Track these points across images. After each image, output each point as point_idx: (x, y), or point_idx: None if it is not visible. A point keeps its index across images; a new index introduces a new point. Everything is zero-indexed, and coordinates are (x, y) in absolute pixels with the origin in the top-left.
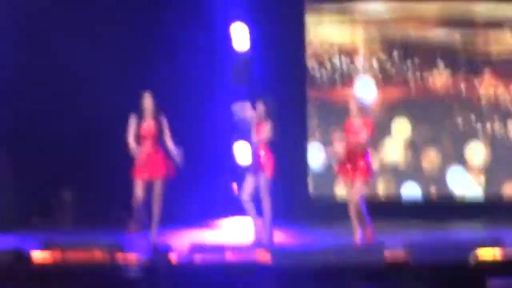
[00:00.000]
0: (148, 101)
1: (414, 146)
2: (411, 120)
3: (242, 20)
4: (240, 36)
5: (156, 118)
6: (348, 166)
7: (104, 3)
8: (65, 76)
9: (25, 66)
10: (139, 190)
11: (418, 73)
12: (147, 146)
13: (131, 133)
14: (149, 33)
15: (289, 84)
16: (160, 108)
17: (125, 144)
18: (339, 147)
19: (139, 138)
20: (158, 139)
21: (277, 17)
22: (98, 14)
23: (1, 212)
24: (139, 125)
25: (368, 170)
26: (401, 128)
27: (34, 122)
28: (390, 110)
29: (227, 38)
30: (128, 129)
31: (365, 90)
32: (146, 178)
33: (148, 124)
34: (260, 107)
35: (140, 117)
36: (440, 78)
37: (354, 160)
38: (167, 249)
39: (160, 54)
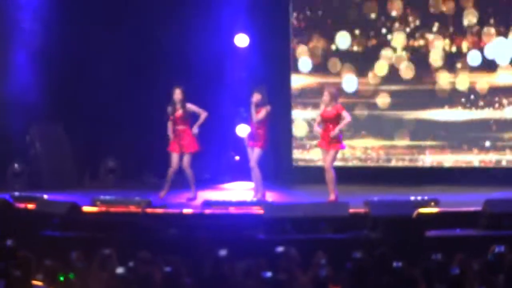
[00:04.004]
0: (177, 93)
1: None
2: None
3: (242, 28)
4: (241, 39)
5: (184, 106)
6: (326, 140)
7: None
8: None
9: (74, 53)
10: (173, 161)
11: None
12: (178, 127)
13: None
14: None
15: (276, 76)
16: (187, 98)
17: (156, 121)
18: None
19: (173, 121)
20: (187, 121)
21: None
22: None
23: (60, 175)
24: (173, 111)
25: (340, 143)
26: None
27: (84, 100)
28: None
29: (231, 41)
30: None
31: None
32: (178, 152)
33: (178, 111)
34: (257, 96)
35: (173, 105)
36: None
37: (329, 136)
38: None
39: (184, 54)
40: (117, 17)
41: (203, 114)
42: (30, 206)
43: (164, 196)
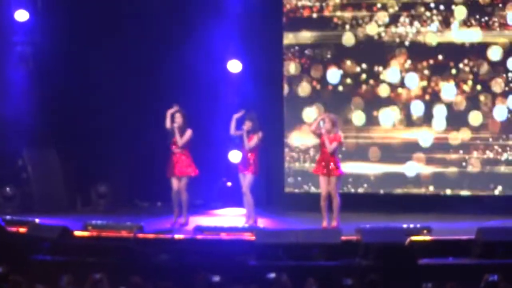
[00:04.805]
0: (177, 117)
1: None
2: None
3: (235, 54)
4: (234, 65)
5: (184, 131)
6: (323, 167)
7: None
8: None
9: (68, 79)
10: (174, 185)
11: None
12: (178, 151)
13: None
14: (166, 59)
15: (269, 101)
16: (187, 122)
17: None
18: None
19: (172, 146)
20: (184, 145)
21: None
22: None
23: (52, 199)
24: (172, 135)
25: (339, 170)
26: None
27: (76, 125)
28: None
29: (224, 67)
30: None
31: None
32: (178, 175)
33: (177, 134)
34: (248, 123)
35: (173, 129)
36: None
37: (328, 163)
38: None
39: (177, 79)
40: (110, 42)
41: (182, 141)
42: (22, 229)
43: (176, 221)
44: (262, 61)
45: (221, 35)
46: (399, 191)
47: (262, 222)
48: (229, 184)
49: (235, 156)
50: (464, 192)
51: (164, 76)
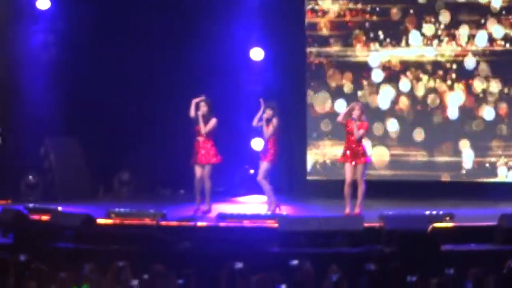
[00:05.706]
0: (201, 106)
1: None
2: None
3: (257, 42)
4: (256, 53)
5: (208, 119)
6: (350, 155)
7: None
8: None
9: (90, 67)
10: (197, 173)
11: None
12: (201, 139)
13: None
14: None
15: (291, 89)
16: (212, 111)
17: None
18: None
19: (196, 134)
20: (208, 133)
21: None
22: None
23: (74, 187)
24: (196, 123)
25: (366, 157)
26: None
27: (99, 113)
28: None
29: (246, 55)
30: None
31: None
32: (201, 163)
33: (202, 123)
34: (269, 110)
35: (197, 117)
36: None
37: (355, 150)
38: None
39: (199, 67)
40: (133, 29)
41: (205, 129)
42: (45, 217)
43: (198, 208)
44: (285, 48)
45: (244, 23)
46: (421, 177)
47: (284, 209)
48: (251, 171)
49: (257, 144)
50: (487, 179)
51: (186, 64)
